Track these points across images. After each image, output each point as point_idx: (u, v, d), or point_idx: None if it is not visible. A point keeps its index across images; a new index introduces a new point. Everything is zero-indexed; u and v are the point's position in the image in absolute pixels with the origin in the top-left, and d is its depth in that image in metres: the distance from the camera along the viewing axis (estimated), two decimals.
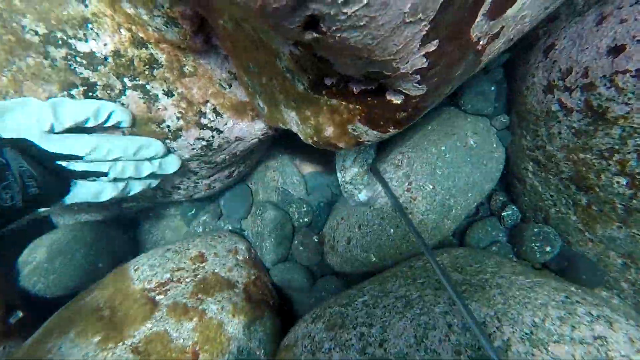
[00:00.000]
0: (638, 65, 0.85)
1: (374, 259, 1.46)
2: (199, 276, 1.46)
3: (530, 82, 1.21)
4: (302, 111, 0.93)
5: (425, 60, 0.63)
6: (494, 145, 1.41)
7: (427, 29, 0.56)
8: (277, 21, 0.48)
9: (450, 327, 0.96)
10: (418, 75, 0.67)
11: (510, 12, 0.65)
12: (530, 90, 1.21)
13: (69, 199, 0.98)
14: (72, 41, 0.98)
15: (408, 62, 0.62)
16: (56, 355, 1.05)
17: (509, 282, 1.01)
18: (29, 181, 0.83)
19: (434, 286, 1.14)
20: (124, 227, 2.21)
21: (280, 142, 1.99)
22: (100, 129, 1.07)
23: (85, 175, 0.99)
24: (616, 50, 0.90)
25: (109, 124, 1.06)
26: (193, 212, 2.14)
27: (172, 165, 1.24)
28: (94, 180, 1.03)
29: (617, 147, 0.96)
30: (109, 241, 1.98)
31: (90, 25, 0.98)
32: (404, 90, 0.74)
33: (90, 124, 1.01)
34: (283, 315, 1.58)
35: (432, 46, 0.61)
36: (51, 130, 0.92)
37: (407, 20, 0.52)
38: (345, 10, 0.46)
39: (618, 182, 1.00)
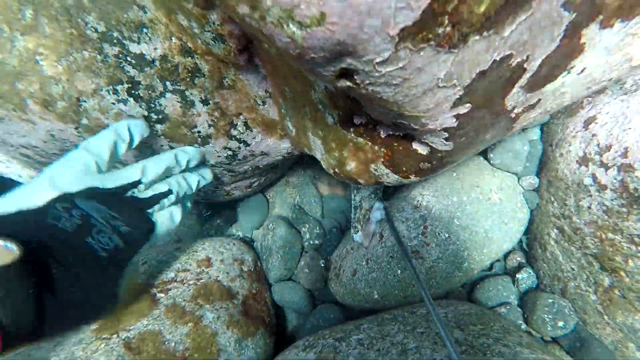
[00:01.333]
0: None
1: (376, 296, 1.43)
2: (201, 281, 1.47)
3: (565, 150, 1.17)
4: (328, 142, 0.94)
5: (455, 120, 0.63)
6: (519, 205, 1.37)
7: (460, 93, 0.56)
8: (312, 68, 0.50)
9: None
10: (446, 133, 0.67)
11: (549, 87, 0.64)
12: (564, 158, 1.17)
13: (160, 230, 1.00)
14: (126, 42, 1.04)
15: (437, 120, 0.62)
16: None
17: (513, 353, 0.96)
18: (115, 221, 0.85)
19: (434, 339, 1.10)
20: None
21: (305, 159, 2.01)
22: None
23: (155, 199, 1.01)
24: None
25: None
26: (209, 213, 2.18)
27: (208, 175, 1.29)
28: (161, 207, 1.05)
29: None
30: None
31: (145, 30, 1.04)
32: (430, 144, 0.74)
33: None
34: (277, 335, 1.56)
35: (463, 109, 0.61)
36: (99, 170, 0.94)
37: (441, 85, 0.52)
38: (380, 69, 0.47)
39: None
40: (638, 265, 0.96)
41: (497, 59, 0.53)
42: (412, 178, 0.85)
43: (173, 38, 1.09)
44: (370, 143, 0.83)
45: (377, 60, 0.45)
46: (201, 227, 2.19)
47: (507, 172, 1.41)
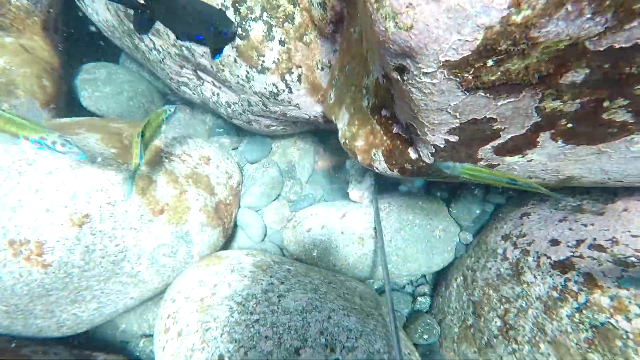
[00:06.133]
0: (558, 259, 1.10)
1: (315, 254, 1.67)
2: (197, 170, 1.67)
3: (500, 226, 1.44)
4: (354, 118, 1.16)
5: (443, 142, 0.87)
6: (448, 249, 1.63)
7: (456, 125, 0.80)
8: (384, 53, 0.72)
9: (329, 319, 1.16)
10: (433, 149, 0.91)
11: (507, 159, 0.89)
12: (496, 230, 1.44)
13: None
14: None
15: (434, 135, 0.86)
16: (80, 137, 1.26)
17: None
18: None
19: (338, 293, 1.34)
20: (167, 103, 2.42)
21: (319, 135, 2.24)
22: None
23: None
24: (555, 242, 1.15)
25: None
26: (222, 130, 2.36)
27: None
28: None
29: (511, 300, 1.19)
30: (151, 102, 2.21)
31: None
32: (419, 152, 0.98)
33: None
34: (227, 240, 1.77)
35: (452, 137, 0.85)
36: None
37: (449, 111, 0.76)
38: (422, 77, 0.70)
39: (495, 322, 1.22)
40: (493, 316, 1.24)
41: (487, 116, 0.77)
42: (395, 172, 1.09)
43: None
44: (382, 132, 1.06)
45: (424, 70, 0.68)
46: (209, 137, 2.36)
47: (456, 222, 1.68)
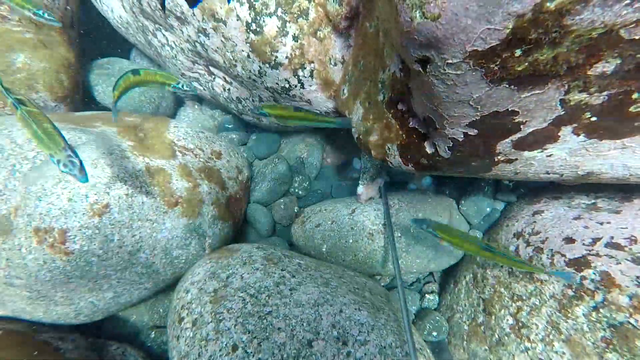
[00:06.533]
0: (573, 257, 1.08)
1: (324, 249, 1.65)
2: (209, 164, 1.66)
3: (511, 223, 1.42)
4: (369, 113, 1.15)
5: (462, 136, 0.85)
6: None
7: (476, 117, 0.79)
8: (406, 44, 0.71)
9: (341, 312, 1.15)
10: (451, 142, 0.89)
11: (526, 154, 0.87)
12: (507, 228, 1.42)
13: None
14: None
15: (453, 129, 0.84)
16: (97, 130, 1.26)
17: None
18: None
19: (349, 288, 1.33)
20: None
21: (328, 132, 2.22)
22: None
23: None
24: (569, 240, 1.13)
25: None
26: (231, 126, 2.35)
27: None
28: None
29: (524, 298, 1.17)
30: (161, 97, 2.21)
31: None
32: (436, 146, 0.96)
33: None
34: (236, 235, 1.76)
35: (471, 131, 0.83)
36: None
37: (471, 104, 0.74)
38: (446, 68, 0.68)
39: (507, 320, 1.20)
40: (505, 314, 1.21)
41: (509, 109, 0.75)
42: (409, 167, 1.07)
43: None
44: (398, 126, 1.04)
45: (449, 61, 0.66)
46: (217, 133, 2.35)
47: (466, 220, 1.66)
